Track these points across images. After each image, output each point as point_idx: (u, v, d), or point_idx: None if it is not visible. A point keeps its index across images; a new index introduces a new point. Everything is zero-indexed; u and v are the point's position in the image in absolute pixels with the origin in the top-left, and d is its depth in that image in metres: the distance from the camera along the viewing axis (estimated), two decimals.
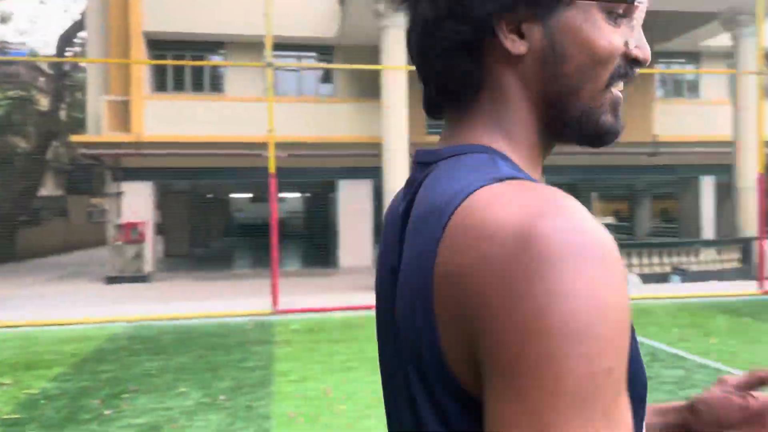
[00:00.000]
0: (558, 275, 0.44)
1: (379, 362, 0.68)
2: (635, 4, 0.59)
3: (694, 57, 17.65)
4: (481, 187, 0.51)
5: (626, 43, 0.60)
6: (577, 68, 0.58)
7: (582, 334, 0.43)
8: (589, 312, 0.43)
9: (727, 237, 13.58)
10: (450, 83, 0.61)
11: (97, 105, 14.58)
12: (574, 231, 0.45)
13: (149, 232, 14.51)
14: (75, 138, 15.21)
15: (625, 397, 0.45)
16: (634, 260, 11.96)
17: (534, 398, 0.42)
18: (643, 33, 0.62)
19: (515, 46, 0.58)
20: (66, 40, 20.95)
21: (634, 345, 0.52)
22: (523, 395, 0.43)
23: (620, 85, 0.62)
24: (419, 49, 0.63)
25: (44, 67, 25.20)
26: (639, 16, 0.61)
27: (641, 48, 0.61)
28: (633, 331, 0.51)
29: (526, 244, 0.45)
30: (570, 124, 0.61)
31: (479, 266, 0.47)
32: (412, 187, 0.62)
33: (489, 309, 0.45)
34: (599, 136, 0.62)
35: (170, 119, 14.41)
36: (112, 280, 13.71)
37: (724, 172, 14.22)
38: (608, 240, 0.46)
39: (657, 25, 13.47)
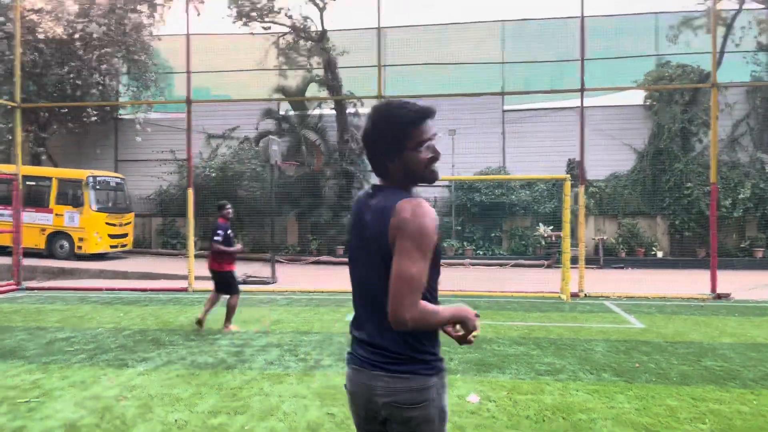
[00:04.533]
0: (425, 219, 1.96)
1: (355, 269, 2.19)
2: (426, 145, 2.11)
3: None
4: (402, 198, 2.02)
5: (427, 154, 2.10)
6: (418, 166, 2.10)
7: (429, 234, 1.96)
8: (430, 229, 1.96)
9: None
10: (382, 170, 2.16)
11: None
12: (427, 207, 1.99)
13: None
14: None
15: (429, 252, 1.98)
16: None
17: (410, 249, 1.93)
18: (431, 146, 2.12)
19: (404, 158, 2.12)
20: None
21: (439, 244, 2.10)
22: (407, 249, 1.93)
23: (432, 164, 2.12)
24: (372, 156, 2.16)
25: None
26: (432, 142, 2.11)
27: (430, 153, 2.10)
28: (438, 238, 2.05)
29: (417, 211, 1.97)
30: (416, 180, 2.13)
31: (404, 217, 1.96)
32: (372, 197, 2.15)
33: (405, 226, 1.95)
34: (426, 180, 2.14)
35: None
36: None
37: None
38: (433, 211, 2.00)
39: None
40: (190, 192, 12.23)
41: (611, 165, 20.16)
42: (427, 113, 2.06)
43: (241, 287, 8.62)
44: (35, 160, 20.42)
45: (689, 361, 6.35)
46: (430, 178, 2.10)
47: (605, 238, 18.95)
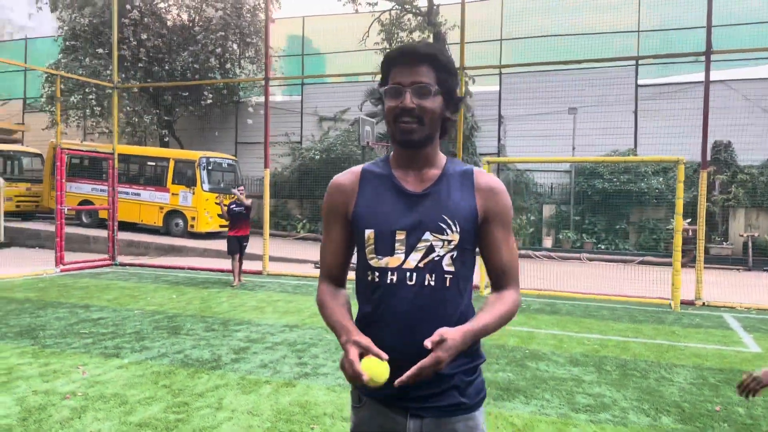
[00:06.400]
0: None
1: None
2: (386, 96, 1.57)
3: None
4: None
5: (392, 102, 1.55)
6: (387, 117, 1.57)
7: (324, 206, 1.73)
8: (323, 201, 1.73)
9: None
10: None
11: None
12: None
13: None
14: None
15: (328, 227, 1.72)
16: None
17: None
18: (398, 94, 1.54)
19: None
20: None
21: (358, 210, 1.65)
22: None
23: (399, 118, 1.54)
24: None
25: None
26: (398, 90, 1.54)
27: (392, 102, 1.54)
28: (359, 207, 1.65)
29: None
30: (392, 137, 1.60)
31: None
32: None
33: None
34: (395, 140, 1.59)
35: None
36: None
37: None
38: (334, 180, 1.70)
39: None
40: (267, 173, 11.96)
41: None
42: (414, 50, 1.54)
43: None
44: (161, 142, 21.63)
45: None
46: (398, 137, 1.57)
47: (757, 235, 16.00)
